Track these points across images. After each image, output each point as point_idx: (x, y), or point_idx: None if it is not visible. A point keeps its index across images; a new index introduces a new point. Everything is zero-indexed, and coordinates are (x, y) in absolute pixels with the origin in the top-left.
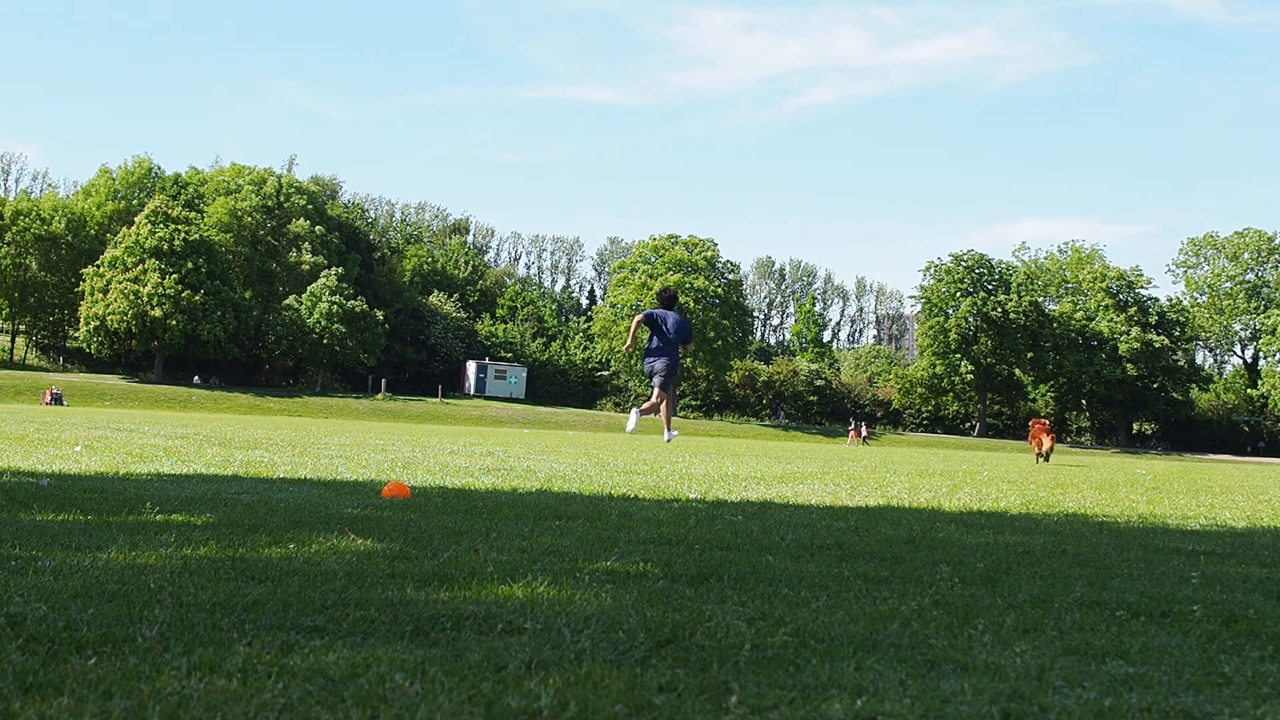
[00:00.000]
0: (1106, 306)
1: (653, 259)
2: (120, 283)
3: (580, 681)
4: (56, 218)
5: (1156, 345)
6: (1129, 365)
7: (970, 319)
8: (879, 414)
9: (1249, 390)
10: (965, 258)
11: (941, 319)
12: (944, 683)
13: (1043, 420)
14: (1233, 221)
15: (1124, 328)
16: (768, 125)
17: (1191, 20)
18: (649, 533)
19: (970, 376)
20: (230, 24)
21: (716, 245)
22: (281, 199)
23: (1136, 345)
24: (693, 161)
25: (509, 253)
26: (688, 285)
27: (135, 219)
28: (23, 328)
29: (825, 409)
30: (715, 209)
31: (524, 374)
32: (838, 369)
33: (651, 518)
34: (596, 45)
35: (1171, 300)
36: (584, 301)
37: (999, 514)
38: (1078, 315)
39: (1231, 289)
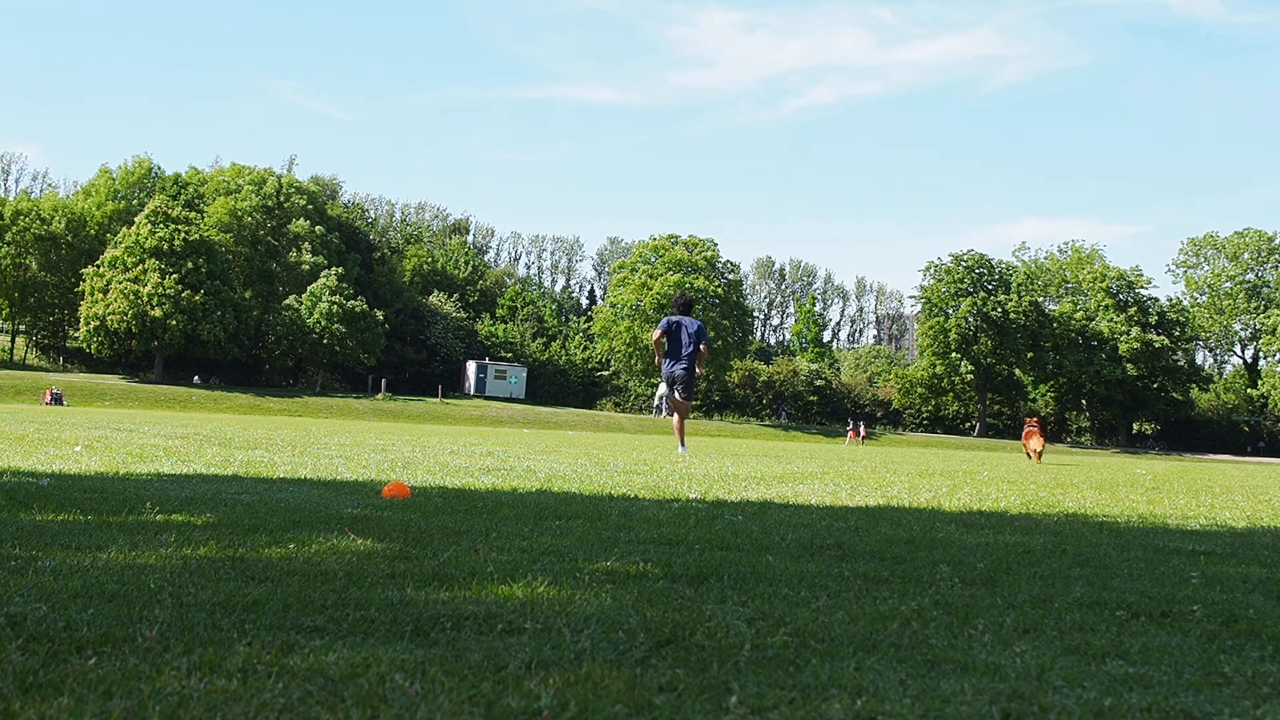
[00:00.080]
0: (1106, 306)
1: (653, 259)
2: (120, 283)
3: (580, 681)
4: (56, 218)
5: (1156, 345)
6: (1129, 365)
7: (970, 319)
8: (879, 414)
9: (1249, 390)
10: (965, 258)
11: (941, 319)
12: (944, 683)
13: (1032, 421)
14: (1233, 221)
15: (1124, 328)
16: (768, 125)
17: (1190, 20)
18: (649, 533)
19: (970, 376)
20: (230, 24)
21: (716, 245)
22: (281, 199)
23: (1136, 345)
24: (693, 161)
25: (509, 253)
26: (688, 285)
27: (135, 219)
28: (23, 328)
29: (825, 409)
30: (715, 209)
31: (524, 374)
32: (838, 369)
33: (651, 518)
34: (596, 45)
35: (1171, 300)
36: (584, 301)
37: (999, 514)
38: (1078, 315)
39: (1231, 289)
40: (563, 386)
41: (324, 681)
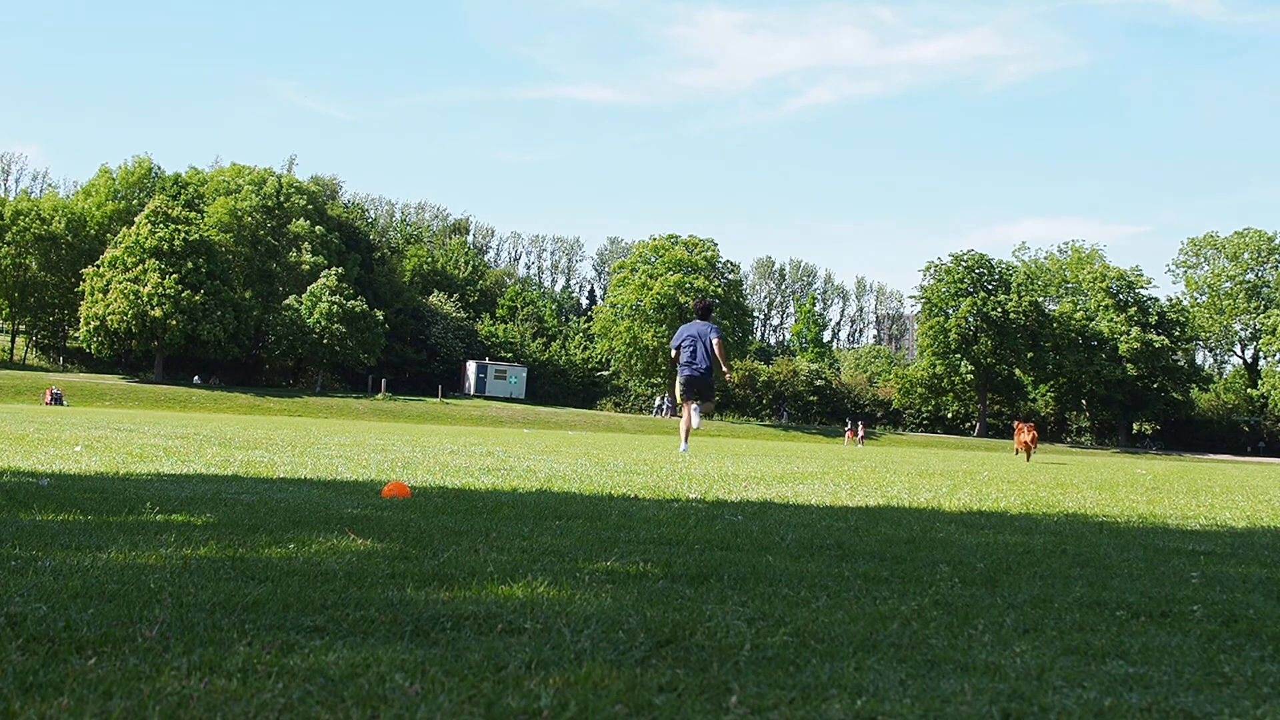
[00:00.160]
0: (1106, 306)
1: (653, 259)
2: (120, 283)
3: (580, 681)
4: (56, 218)
5: (1156, 345)
6: (1129, 365)
7: (970, 319)
8: (879, 414)
9: (1249, 390)
10: (965, 258)
11: (941, 319)
12: (944, 683)
13: (1022, 423)
14: (1233, 221)
15: (1124, 328)
16: (768, 125)
17: (1190, 20)
18: (649, 533)
19: (970, 376)
20: (230, 24)
21: (716, 245)
22: (281, 199)
23: (1136, 345)
24: (693, 161)
25: (509, 253)
26: (688, 285)
27: (135, 219)
28: (23, 328)
29: (825, 409)
30: (715, 209)
31: (524, 374)
32: (838, 369)
33: (651, 518)
34: (596, 45)
35: (1171, 300)
36: (584, 301)
37: (999, 514)
38: (1078, 315)
39: (1231, 289)
40: (563, 386)
41: (324, 681)
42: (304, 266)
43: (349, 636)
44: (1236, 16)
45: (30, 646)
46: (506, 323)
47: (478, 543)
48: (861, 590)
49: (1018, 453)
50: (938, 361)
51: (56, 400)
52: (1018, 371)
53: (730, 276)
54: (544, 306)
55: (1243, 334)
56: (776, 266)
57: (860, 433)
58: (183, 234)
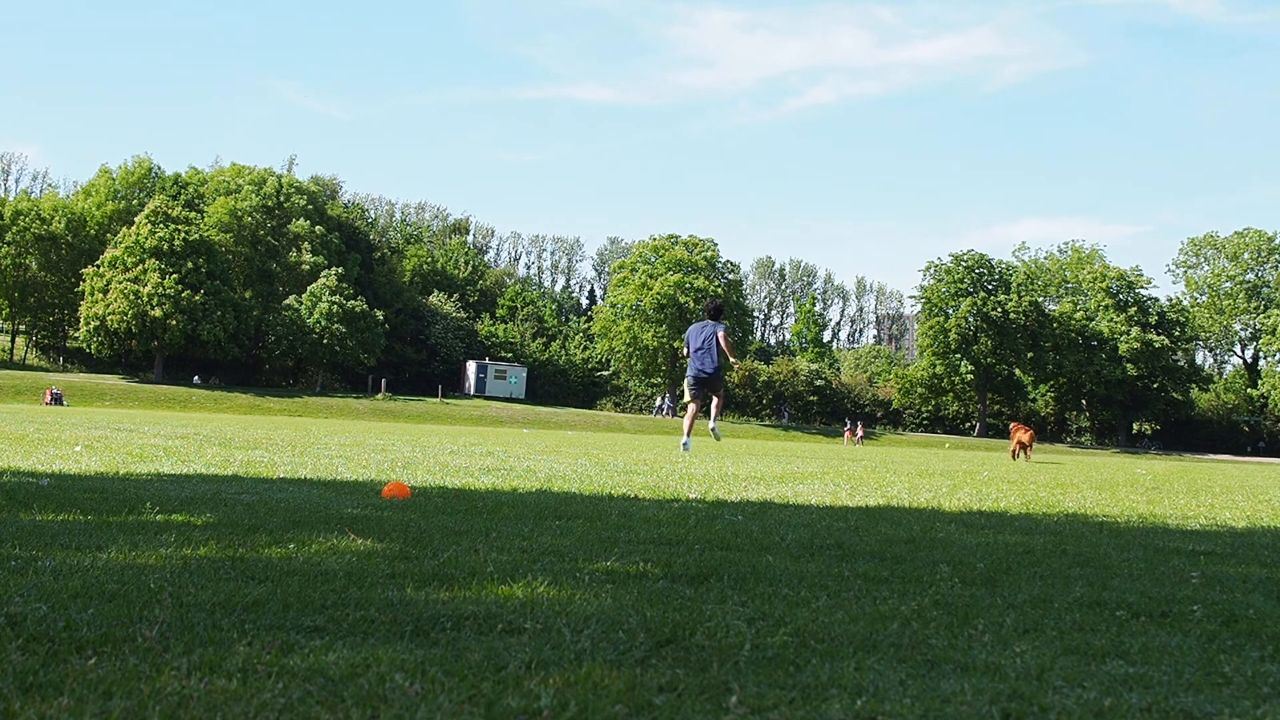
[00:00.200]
0: (1106, 306)
1: (653, 259)
2: (120, 283)
3: (580, 681)
4: (56, 218)
5: (1156, 345)
6: (1129, 365)
7: (970, 319)
8: (879, 414)
9: (1249, 390)
10: (965, 258)
11: (941, 319)
12: (944, 683)
13: (1018, 424)
14: (1233, 221)
15: (1124, 328)
16: (768, 125)
17: (1190, 20)
18: (649, 533)
19: (970, 376)
20: (230, 24)
21: (716, 245)
22: (281, 199)
23: (1136, 345)
24: (693, 161)
25: (509, 253)
26: (688, 285)
27: (135, 219)
28: (23, 328)
29: (825, 409)
30: (715, 209)
31: (524, 374)
32: (838, 369)
33: (651, 518)
34: (596, 45)
35: (1171, 300)
36: (584, 301)
37: (999, 514)
38: (1078, 315)
39: (1231, 289)
40: (563, 386)
41: (324, 681)
42: (304, 266)
43: (349, 636)
44: (1236, 16)
45: (30, 646)
46: (506, 323)
47: (478, 543)
48: (861, 590)
49: (1015, 455)
50: (938, 361)
51: (56, 400)
52: (1018, 371)
53: (730, 276)
54: (544, 306)
55: (1243, 334)
56: (776, 266)
57: (859, 433)
58: (183, 234)
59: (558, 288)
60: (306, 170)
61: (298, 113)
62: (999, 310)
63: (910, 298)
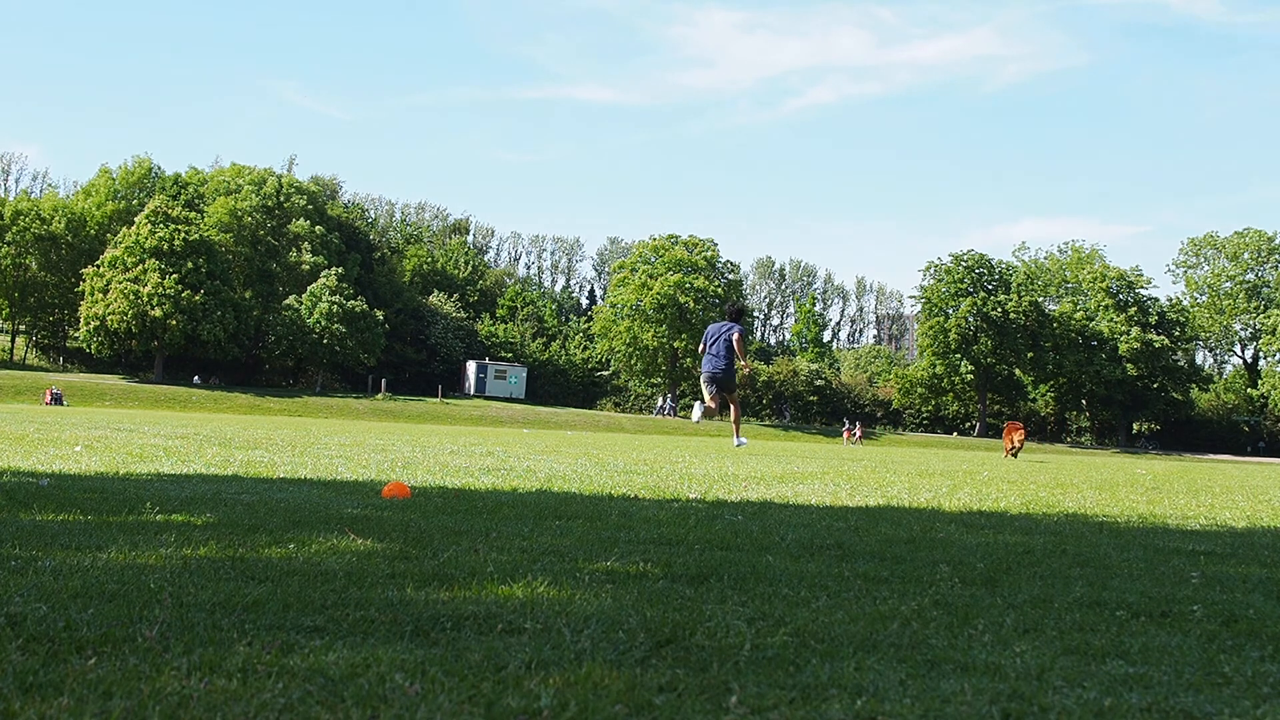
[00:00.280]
0: (1106, 306)
1: (653, 259)
2: (120, 283)
3: (580, 681)
4: (56, 218)
5: (1156, 345)
6: (1129, 365)
7: (970, 319)
8: (879, 414)
9: (1249, 390)
10: (965, 258)
11: (941, 319)
12: (944, 683)
13: (1012, 423)
14: (1233, 221)
15: (1124, 328)
16: (768, 125)
17: (1190, 20)
18: (649, 533)
19: (970, 376)
20: (230, 24)
21: (716, 245)
22: (281, 199)
23: (1136, 345)
24: (693, 161)
25: (509, 253)
26: (688, 285)
27: (135, 219)
28: (23, 328)
29: (825, 409)
30: (715, 209)
31: (524, 374)
32: (838, 369)
33: (651, 518)
34: (596, 45)
35: (1171, 300)
36: (584, 301)
37: (999, 514)
38: (1078, 315)
39: (1231, 289)
40: (563, 386)
41: (324, 681)
42: (304, 266)
43: (349, 636)
44: (1236, 16)
45: (30, 646)
46: (506, 323)
47: (478, 543)
48: (861, 590)
49: (1008, 454)
50: (938, 361)
51: (56, 400)
52: (1018, 371)
53: (730, 276)
54: (544, 306)
55: (1243, 334)
56: (776, 266)
57: (858, 432)
58: (183, 234)
59: (558, 288)
60: (306, 170)
61: (298, 113)
62: (999, 310)
63: (910, 298)
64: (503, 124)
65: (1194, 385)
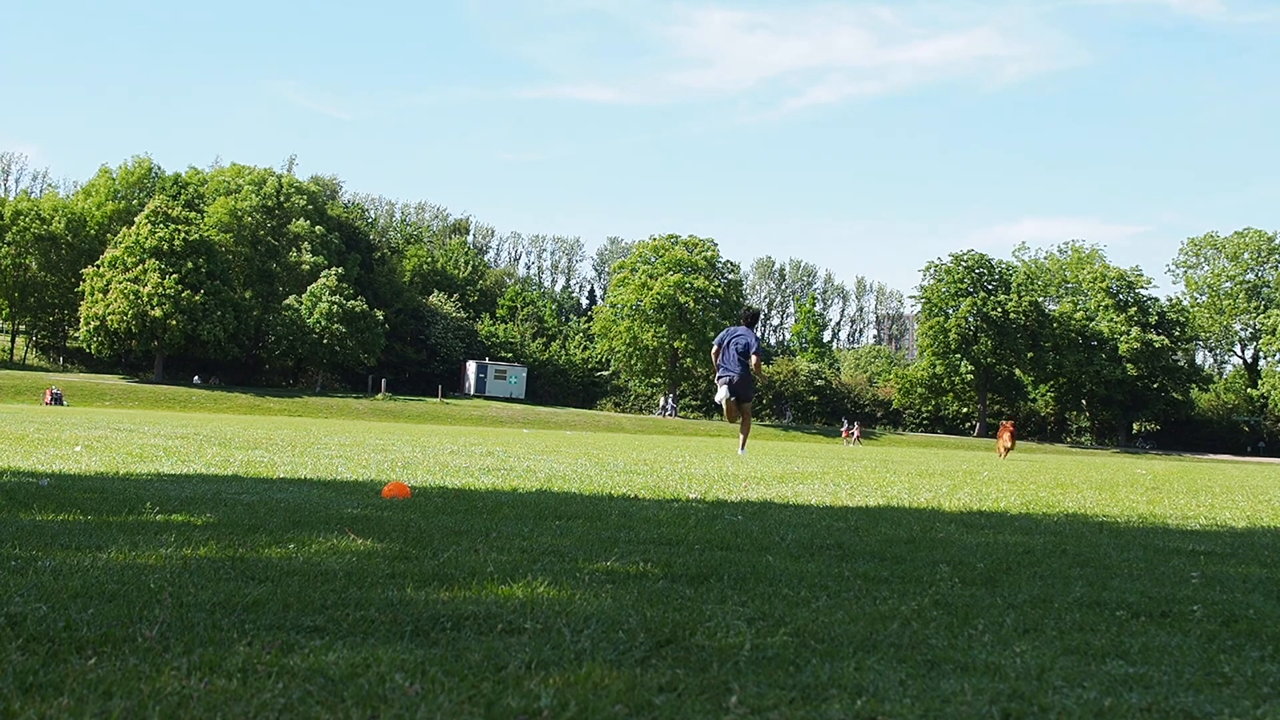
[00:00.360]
0: (1106, 306)
1: (653, 259)
2: (120, 283)
3: (580, 681)
4: (56, 218)
5: (1156, 345)
6: (1129, 365)
7: (970, 319)
8: (879, 414)
9: (1249, 390)
10: (965, 258)
11: (941, 319)
12: (944, 683)
13: (1005, 423)
14: (1233, 221)
15: (1124, 328)
16: (768, 125)
17: (1192, 20)
18: (649, 533)
19: (970, 376)
20: (230, 24)
21: (716, 245)
22: (281, 199)
23: (1136, 345)
24: (693, 161)
25: (509, 253)
26: (688, 285)
27: (135, 219)
28: (23, 328)
29: (825, 409)
30: (715, 209)
31: (524, 374)
32: (838, 369)
33: (651, 518)
34: (596, 45)
35: (1171, 300)
36: (584, 301)
37: (999, 514)
38: (1078, 315)
39: (1231, 289)
40: (563, 386)
41: (324, 681)
42: (304, 266)
43: (349, 636)
44: (1238, 17)
45: (30, 646)
46: (506, 323)
47: (478, 543)
48: (861, 590)
49: (1002, 453)
50: (938, 361)
51: (56, 400)
52: (1018, 371)
53: (730, 276)
54: (544, 306)
55: (1243, 334)
56: (776, 266)
57: (856, 432)
58: (183, 234)
59: (558, 288)
60: (306, 170)
61: (298, 113)
62: (999, 310)
63: (910, 298)
64: (503, 124)
65: (1194, 385)
